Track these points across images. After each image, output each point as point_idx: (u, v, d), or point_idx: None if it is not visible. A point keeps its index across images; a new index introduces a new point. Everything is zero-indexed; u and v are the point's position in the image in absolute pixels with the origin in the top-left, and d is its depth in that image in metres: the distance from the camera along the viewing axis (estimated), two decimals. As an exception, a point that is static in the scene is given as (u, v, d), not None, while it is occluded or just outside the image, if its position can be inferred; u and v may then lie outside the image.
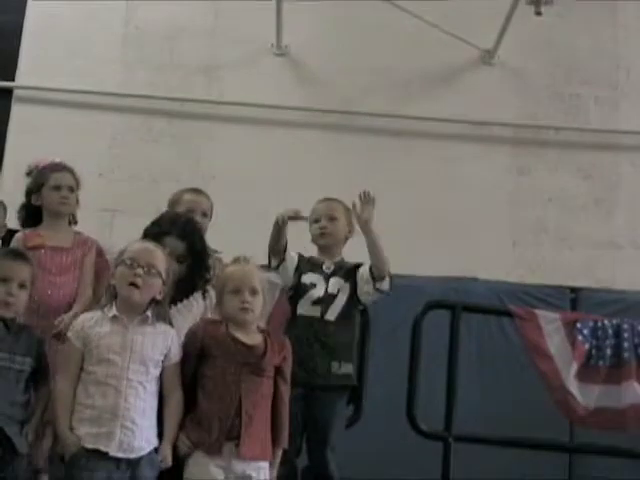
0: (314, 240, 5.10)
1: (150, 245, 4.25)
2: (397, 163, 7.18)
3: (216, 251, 5.09)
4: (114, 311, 4.10)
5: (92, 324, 4.11)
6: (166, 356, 4.12)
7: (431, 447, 5.18)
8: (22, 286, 4.10)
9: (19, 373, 4.02)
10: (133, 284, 4.07)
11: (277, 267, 4.96)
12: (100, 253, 4.92)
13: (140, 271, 4.08)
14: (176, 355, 4.15)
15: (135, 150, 6.69)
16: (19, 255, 4.27)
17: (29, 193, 4.99)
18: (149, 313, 4.11)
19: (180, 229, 4.55)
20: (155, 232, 4.49)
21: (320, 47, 7.34)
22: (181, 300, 4.48)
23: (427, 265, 6.57)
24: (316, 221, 5.07)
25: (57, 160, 5.04)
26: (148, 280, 4.09)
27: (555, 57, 7.69)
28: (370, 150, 7.19)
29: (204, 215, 5.12)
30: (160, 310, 4.17)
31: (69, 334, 4.13)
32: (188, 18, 7.16)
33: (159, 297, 4.15)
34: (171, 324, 4.23)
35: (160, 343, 4.11)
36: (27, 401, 4.04)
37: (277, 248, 4.93)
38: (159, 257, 4.17)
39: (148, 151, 6.72)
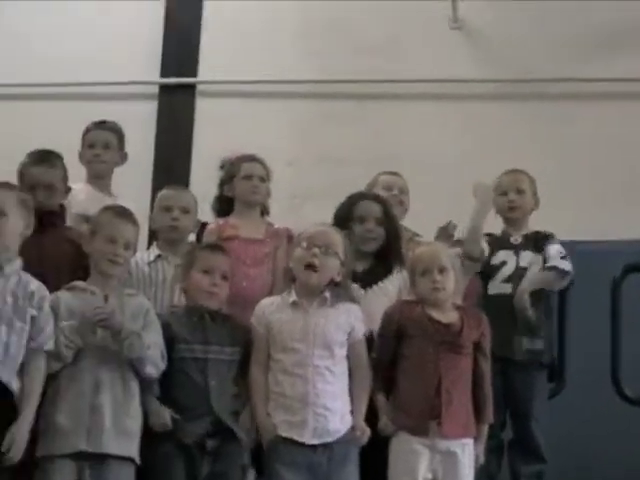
0: (501, 213, 5.06)
1: (327, 226, 4.34)
2: (582, 127, 6.99)
3: (417, 234, 5.13)
4: (293, 296, 4.18)
5: (273, 309, 4.21)
6: (349, 334, 4.16)
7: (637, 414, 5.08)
8: (224, 277, 4.22)
9: (230, 363, 4.13)
10: (310, 265, 4.13)
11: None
12: (291, 241, 4.95)
13: (317, 251, 4.13)
14: (360, 331, 4.19)
15: (320, 135, 6.71)
16: (218, 248, 4.39)
17: (222, 184, 5.12)
18: (327, 294, 4.16)
19: (373, 195, 4.75)
20: (349, 202, 4.63)
21: (495, 16, 7.19)
22: (376, 283, 4.53)
23: (622, 229, 6.40)
24: (504, 194, 5.02)
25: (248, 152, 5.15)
26: (325, 261, 4.14)
27: None
28: (553, 116, 7.02)
29: (402, 192, 5.23)
30: (340, 292, 4.22)
31: (252, 320, 4.23)
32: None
33: (338, 278, 4.20)
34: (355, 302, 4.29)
35: (343, 322, 4.16)
36: (238, 391, 4.15)
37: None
38: (336, 238, 4.22)
39: (334, 135, 6.73)
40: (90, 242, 4.13)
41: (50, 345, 3.83)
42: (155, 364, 3.96)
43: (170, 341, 4.07)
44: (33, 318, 3.80)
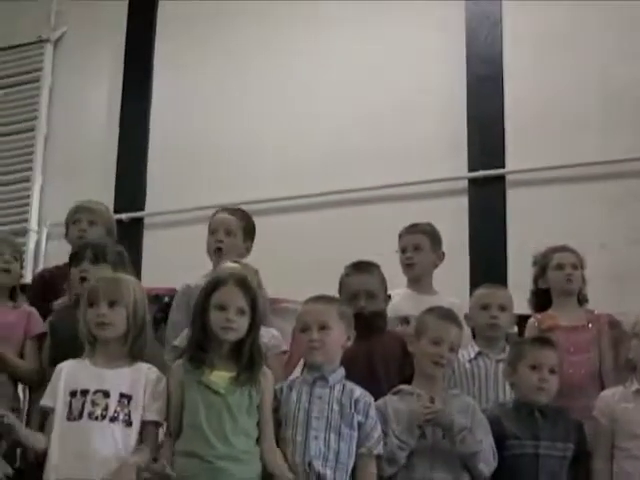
0: None
1: None
2: None
3: None
4: (636, 385, 4.17)
5: (617, 399, 4.20)
6: None
7: None
8: (552, 371, 4.22)
9: (562, 460, 4.09)
10: None
11: None
12: (613, 325, 4.88)
13: None
14: None
15: (633, 214, 6.53)
16: (547, 342, 4.39)
17: (536, 279, 5.14)
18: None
19: None
20: None
21: None
22: None
23: None
24: None
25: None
26: None
27: None
28: None
29: None
30: None
31: (595, 413, 4.20)
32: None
33: None
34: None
35: None
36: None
37: None
38: None
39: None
40: (415, 343, 4.23)
41: (379, 450, 3.92)
42: (487, 462, 3.97)
43: (500, 437, 4.08)
44: (360, 424, 3.91)
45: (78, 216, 5.34)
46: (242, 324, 3.91)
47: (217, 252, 5.15)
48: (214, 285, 4.01)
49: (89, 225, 5.31)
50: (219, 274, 4.31)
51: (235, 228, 5.23)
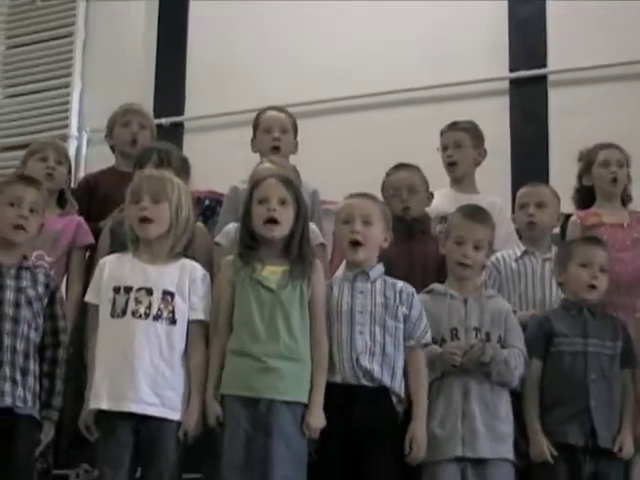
0: None
1: None
2: None
3: None
4: None
5: None
6: None
7: None
8: (602, 270, 4.21)
9: (611, 358, 4.10)
10: None
11: None
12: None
13: None
14: None
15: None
16: (597, 241, 4.38)
17: (580, 175, 5.09)
18: None
19: None
20: None
21: None
22: None
23: None
24: None
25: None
26: None
27: None
28: None
29: None
30: None
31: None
32: None
33: None
34: None
35: None
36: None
37: None
38: None
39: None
40: (444, 244, 4.23)
41: (427, 338, 3.96)
42: (521, 376, 4.02)
43: (548, 335, 4.11)
44: (405, 317, 3.95)
45: (129, 118, 5.33)
46: (286, 215, 3.88)
47: (274, 150, 5.10)
48: (255, 183, 4.00)
49: (140, 128, 5.32)
50: (259, 172, 4.31)
51: (289, 125, 5.25)
